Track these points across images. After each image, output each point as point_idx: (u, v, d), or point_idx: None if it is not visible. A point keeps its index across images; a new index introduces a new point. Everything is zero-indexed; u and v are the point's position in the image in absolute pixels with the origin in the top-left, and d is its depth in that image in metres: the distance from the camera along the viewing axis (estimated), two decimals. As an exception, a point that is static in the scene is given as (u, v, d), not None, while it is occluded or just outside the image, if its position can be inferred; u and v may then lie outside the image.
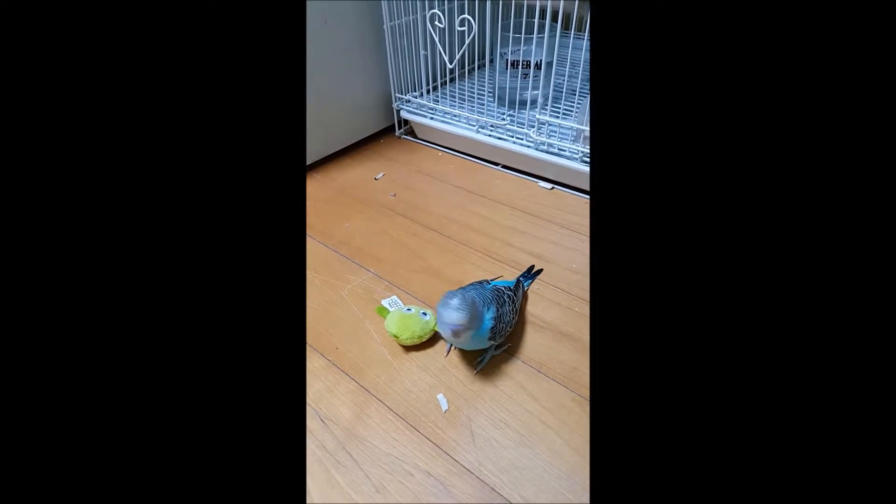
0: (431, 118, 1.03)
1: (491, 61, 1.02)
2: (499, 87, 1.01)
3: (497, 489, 0.47)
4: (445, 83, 1.07)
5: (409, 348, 0.61)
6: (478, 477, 0.48)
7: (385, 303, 0.67)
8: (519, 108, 0.99)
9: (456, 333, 0.52)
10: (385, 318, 0.62)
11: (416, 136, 1.11)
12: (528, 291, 0.70)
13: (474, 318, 0.52)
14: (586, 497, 0.46)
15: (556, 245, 0.78)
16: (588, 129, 0.86)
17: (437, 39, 0.94)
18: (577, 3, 0.86)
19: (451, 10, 0.91)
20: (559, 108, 0.96)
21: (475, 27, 0.88)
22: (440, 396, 0.55)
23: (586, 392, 0.56)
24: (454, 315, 0.51)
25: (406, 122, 1.10)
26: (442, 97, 1.05)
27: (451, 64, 0.96)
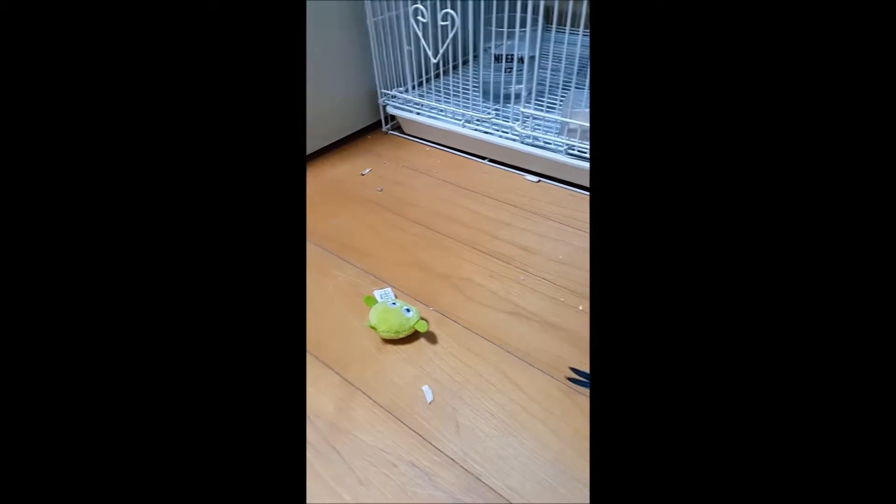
0: (418, 113, 1.03)
1: (475, 56, 1.02)
2: (484, 82, 1.01)
3: (481, 478, 0.47)
4: (430, 79, 1.07)
5: (395, 342, 0.61)
6: (462, 466, 0.48)
7: (377, 293, 0.66)
8: (504, 102, 0.99)
9: None
10: (371, 307, 0.62)
11: (403, 132, 1.11)
12: (513, 283, 0.70)
13: None
14: (571, 484, 0.46)
15: (541, 236, 0.78)
16: (572, 121, 0.86)
17: (420, 35, 0.94)
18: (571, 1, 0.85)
19: (434, 6, 0.91)
20: (544, 102, 0.96)
21: (458, 22, 0.88)
22: (425, 388, 0.55)
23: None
24: None
25: (393, 117, 1.09)
26: (428, 92, 1.05)
27: (434, 59, 0.96)
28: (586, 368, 0.57)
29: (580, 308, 0.65)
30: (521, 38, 0.90)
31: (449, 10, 0.87)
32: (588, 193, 0.89)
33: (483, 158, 1.00)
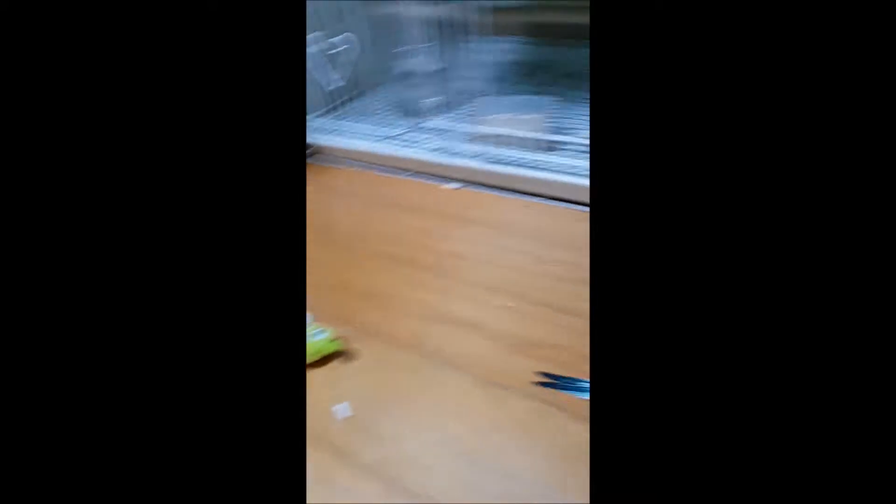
0: (334, 137, 1.03)
1: (388, 76, 1.04)
2: (397, 99, 1.02)
3: (402, 483, 0.45)
4: (345, 101, 1.08)
5: (308, 366, 0.59)
6: (383, 475, 0.46)
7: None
8: (419, 116, 1.00)
9: None
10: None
11: (320, 159, 1.10)
12: (437, 290, 0.69)
13: None
14: (489, 478, 0.45)
15: (466, 241, 0.78)
16: (482, 128, 0.87)
17: (323, 61, 0.95)
18: (469, 11, 0.88)
19: (333, 31, 0.92)
20: (463, 111, 0.98)
21: (358, 45, 0.90)
22: (341, 406, 0.53)
23: (493, 377, 0.55)
24: None
25: (308, 145, 1.09)
26: (342, 116, 1.06)
27: (337, 84, 0.97)
28: (507, 363, 0.56)
29: (508, 305, 0.65)
30: (429, 53, 0.92)
31: (348, 33, 0.89)
32: (510, 195, 0.90)
33: (406, 171, 1.00)
